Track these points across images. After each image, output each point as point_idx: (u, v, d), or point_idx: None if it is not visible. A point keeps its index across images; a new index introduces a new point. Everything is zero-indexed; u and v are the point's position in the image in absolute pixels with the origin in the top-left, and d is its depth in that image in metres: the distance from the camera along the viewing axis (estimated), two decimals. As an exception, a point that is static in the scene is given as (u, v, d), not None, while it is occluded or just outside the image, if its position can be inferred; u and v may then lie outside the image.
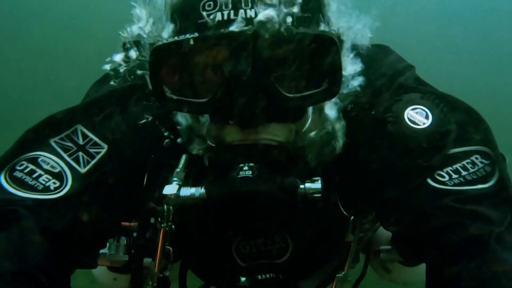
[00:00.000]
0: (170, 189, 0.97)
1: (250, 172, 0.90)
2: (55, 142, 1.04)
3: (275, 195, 0.90)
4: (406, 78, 1.10)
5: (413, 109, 1.01)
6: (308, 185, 0.93)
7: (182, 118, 1.03)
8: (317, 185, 0.93)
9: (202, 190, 0.95)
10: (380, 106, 1.05)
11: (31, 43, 3.45)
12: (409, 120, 1.00)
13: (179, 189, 0.96)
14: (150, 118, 1.09)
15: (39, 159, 1.01)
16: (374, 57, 1.13)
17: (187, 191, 0.96)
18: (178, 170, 1.00)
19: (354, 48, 1.02)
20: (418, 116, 1.00)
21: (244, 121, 0.89)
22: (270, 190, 0.90)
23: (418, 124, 0.99)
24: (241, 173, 0.90)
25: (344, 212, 1.15)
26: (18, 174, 0.99)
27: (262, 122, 0.91)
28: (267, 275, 1.19)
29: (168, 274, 1.29)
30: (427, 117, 1.00)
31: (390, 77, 1.10)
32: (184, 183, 0.98)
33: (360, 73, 1.07)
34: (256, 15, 0.85)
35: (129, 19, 1.00)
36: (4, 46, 3.41)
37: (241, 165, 0.91)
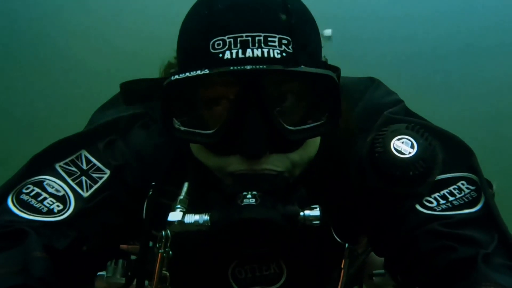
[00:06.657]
0: (174, 216, 1.00)
1: (254, 200, 0.95)
2: (60, 166, 1.10)
3: (278, 222, 0.94)
4: (394, 111, 1.17)
5: (398, 139, 1.07)
6: (307, 212, 0.98)
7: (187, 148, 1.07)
8: (316, 212, 0.98)
9: (206, 217, 0.98)
10: (367, 138, 1.11)
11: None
12: (396, 150, 1.06)
13: (183, 216, 1.00)
14: (152, 146, 1.14)
15: (45, 183, 1.07)
16: (364, 89, 1.21)
17: (191, 218, 0.99)
18: (181, 197, 1.04)
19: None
20: (403, 146, 1.06)
21: (251, 153, 0.95)
22: (273, 217, 0.94)
23: (404, 154, 1.05)
24: (245, 201, 0.95)
25: (338, 240, 1.19)
26: (24, 197, 1.04)
27: (266, 154, 0.96)
28: None
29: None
30: (412, 146, 1.06)
31: (378, 109, 1.17)
32: (187, 210, 1.02)
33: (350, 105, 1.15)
34: (262, 54, 0.91)
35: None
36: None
37: (244, 193, 0.96)
